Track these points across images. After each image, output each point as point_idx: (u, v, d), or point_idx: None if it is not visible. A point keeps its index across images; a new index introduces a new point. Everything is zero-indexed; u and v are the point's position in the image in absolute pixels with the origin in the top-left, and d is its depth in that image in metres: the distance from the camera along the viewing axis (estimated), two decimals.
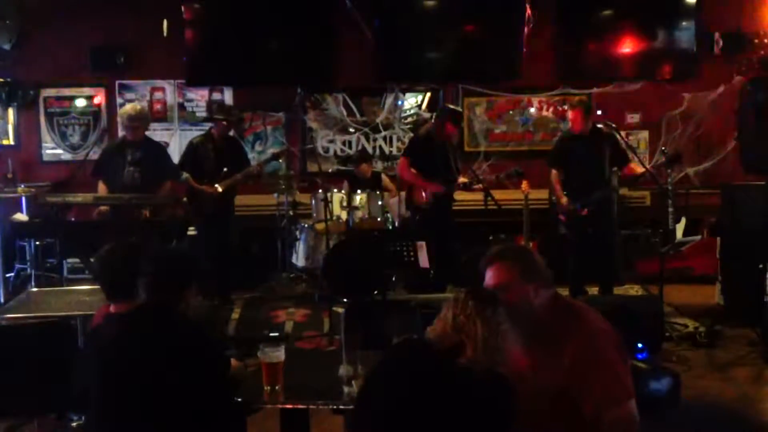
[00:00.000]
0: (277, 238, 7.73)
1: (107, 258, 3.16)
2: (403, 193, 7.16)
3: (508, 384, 2.37)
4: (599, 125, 6.72)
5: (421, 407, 2.30)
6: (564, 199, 6.61)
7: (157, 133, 7.98)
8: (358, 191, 7.27)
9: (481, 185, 6.56)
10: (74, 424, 3.97)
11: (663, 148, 7.44)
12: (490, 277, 2.64)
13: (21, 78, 8.29)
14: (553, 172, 6.81)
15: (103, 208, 6.12)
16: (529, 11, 8.00)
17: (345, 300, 6.24)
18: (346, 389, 2.91)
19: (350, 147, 8.70)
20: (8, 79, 8.22)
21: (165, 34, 7.95)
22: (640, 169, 6.57)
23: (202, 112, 8.55)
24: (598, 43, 8.33)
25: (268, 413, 3.15)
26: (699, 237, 7.29)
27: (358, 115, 8.70)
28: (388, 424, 2.35)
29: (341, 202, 7.22)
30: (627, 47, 8.30)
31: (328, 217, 6.77)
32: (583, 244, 6.64)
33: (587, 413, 2.44)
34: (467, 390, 2.32)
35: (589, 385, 2.44)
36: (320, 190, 7.13)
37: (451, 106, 7.38)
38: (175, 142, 8.38)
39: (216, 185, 6.69)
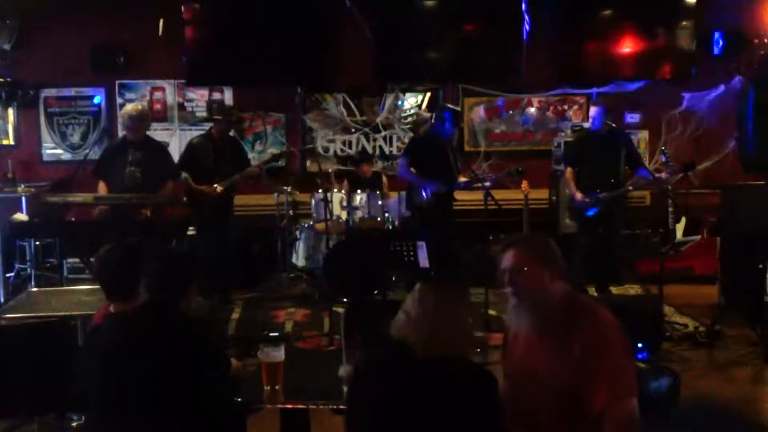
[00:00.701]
0: (277, 238, 7.73)
1: (107, 258, 3.16)
2: (403, 193, 7.16)
3: (484, 373, 2.43)
4: (614, 125, 6.75)
5: (406, 408, 2.34)
6: (579, 195, 6.62)
7: (157, 133, 7.96)
8: (358, 191, 7.27)
9: (481, 184, 6.56)
10: (74, 424, 3.97)
11: (663, 147, 7.44)
12: (505, 261, 2.65)
13: (21, 78, 8.29)
14: (569, 169, 6.83)
15: (102, 207, 6.12)
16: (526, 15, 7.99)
17: (345, 300, 6.24)
18: (346, 389, 2.91)
19: (350, 147, 8.70)
20: (8, 79, 8.21)
21: (160, 33, 7.94)
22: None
23: (202, 112, 8.55)
24: (598, 43, 8.31)
25: (268, 413, 3.15)
26: (699, 237, 7.29)
27: (358, 115, 8.70)
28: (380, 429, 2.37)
29: (341, 202, 7.23)
30: (627, 47, 8.28)
31: (328, 217, 6.77)
32: (591, 244, 6.66)
33: (594, 410, 2.45)
34: (442, 383, 2.37)
35: (596, 378, 2.46)
36: (320, 190, 7.13)
37: (450, 106, 7.37)
38: (175, 142, 8.38)
39: (215, 185, 6.69)
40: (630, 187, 6.68)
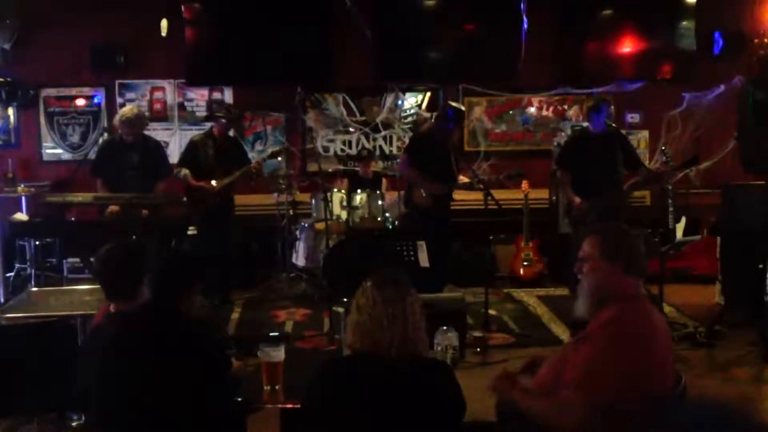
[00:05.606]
0: (277, 238, 7.73)
1: (107, 258, 3.16)
2: (402, 192, 7.15)
3: (445, 365, 2.61)
4: (613, 124, 6.68)
5: (385, 411, 2.38)
6: (577, 200, 6.49)
7: (157, 132, 7.97)
8: (358, 191, 7.27)
9: (481, 185, 6.54)
10: (74, 424, 3.97)
11: (663, 147, 7.43)
12: (582, 248, 2.75)
13: (21, 78, 8.28)
14: (563, 172, 6.75)
15: (113, 208, 6.13)
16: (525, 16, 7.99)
17: (345, 300, 6.22)
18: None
19: (350, 147, 8.70)
20: (8, 79, 8.20)
21: (164, 33, 7.94)
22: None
23: (202, 112, 8.54)
24: (598, 43, 8.31)
25: (268, 413, 3.15)
26: (699, 237, 7.28)
27: (358, 115, 8.70)
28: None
29: (341, 202, 7.22)
30: (627, 47, 8.29)
31: (328, 216, 6.77)
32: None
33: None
34: (416, 381, 2.42)
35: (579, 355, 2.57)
36: (320, 190, 7.13)
37: (454, 105, 7.36)
38: (175, 142, 8.38)
39: (212, 182, 6.68)
40: (629, 188, 6.64)
